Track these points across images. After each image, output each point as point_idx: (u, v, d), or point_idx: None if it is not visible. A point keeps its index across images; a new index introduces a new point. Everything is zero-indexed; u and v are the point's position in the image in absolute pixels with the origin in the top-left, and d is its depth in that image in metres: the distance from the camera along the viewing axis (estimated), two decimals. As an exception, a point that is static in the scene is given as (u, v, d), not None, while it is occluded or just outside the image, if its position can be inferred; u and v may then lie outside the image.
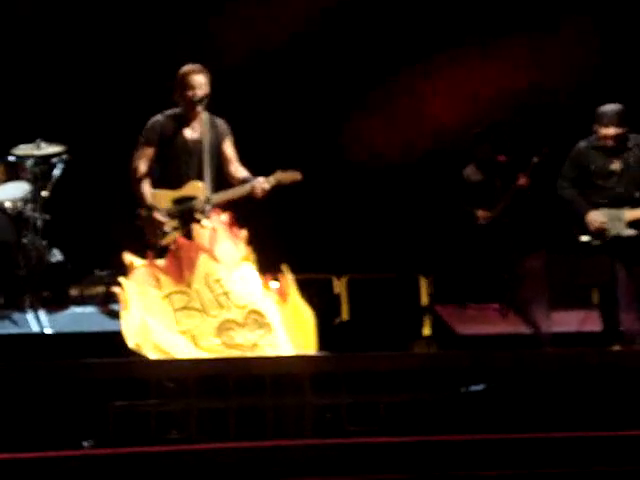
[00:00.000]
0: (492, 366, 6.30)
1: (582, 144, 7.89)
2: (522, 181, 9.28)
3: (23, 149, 8.77)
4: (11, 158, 8.77)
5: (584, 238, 7.79)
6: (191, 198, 7.38)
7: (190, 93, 7.36)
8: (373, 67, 10.12)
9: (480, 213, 9.40)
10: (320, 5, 9.96)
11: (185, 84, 7.37)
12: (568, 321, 8.55)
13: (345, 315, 9.22)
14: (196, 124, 7.42)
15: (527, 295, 8.81)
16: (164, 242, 7.27)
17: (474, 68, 10.14)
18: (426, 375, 6.25)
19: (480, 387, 6.26)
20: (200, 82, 7.37)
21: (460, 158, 9.53)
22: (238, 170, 7.47)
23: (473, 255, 9.30)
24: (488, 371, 6.30)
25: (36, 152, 8.74)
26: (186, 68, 7.43)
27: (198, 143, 7.34)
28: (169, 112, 7.47)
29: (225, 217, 6.92)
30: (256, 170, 7.47)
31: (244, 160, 7.52)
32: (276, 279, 6.87)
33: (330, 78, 10.10)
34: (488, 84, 10.04)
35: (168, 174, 7.43)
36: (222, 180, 7.43)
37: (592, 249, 7.78)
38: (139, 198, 7.37)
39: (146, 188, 7.38)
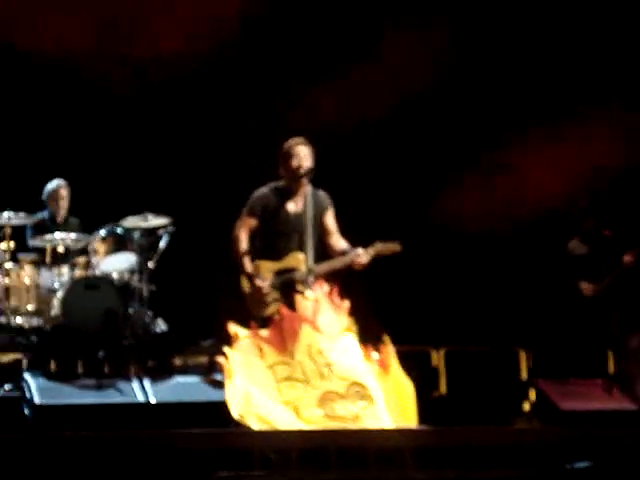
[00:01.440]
0: (597, 443, 6.20)
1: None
2: (629, 258, 9.18)
3: (131, 221, 8.97)
4: (119, 230, 8.97)
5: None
6: (292, 270, 7.46)
7: (296, 164, 7.47)
8: (471, 140, 10.16)
9: (584, 286, 9.30)
10: (415, 78, 10.06)
11: (290, 156, 7.49)
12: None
13: (443, 388, 9.14)
14: (299, 197, 7.52)
15: (632, 371, 8.65)
16: (266, 313, 7.34)
17: (575, 141, 10.11)
18: (529, 451, 6.18)
19: (585, 464, 6.16)
20: (305, 154, 7.49)
21: (564, 231, 9.47)
22: (338, 242, 7.54)
23: (576, 329, 9.19)
24: (593, 448, 6.20)
25: (143, 224, 8.94)
26: (291, 141, 7.56)
27: (300, 216, 7.43)
28: (273, 185, 7.59)
29: (327, 288, 6.97)
30: (356, 240, 7.52)
31: (344, 231, 7.59)
32: (377, 350, 6.88)
33: (430, 150, 10.16)
34: (589, 157, 10.00)
35: (270, 246, 7.52)
36: (322, 251, 7.49)
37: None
38: (240, 268, 7.47)
39: (246, 257, 7.48)
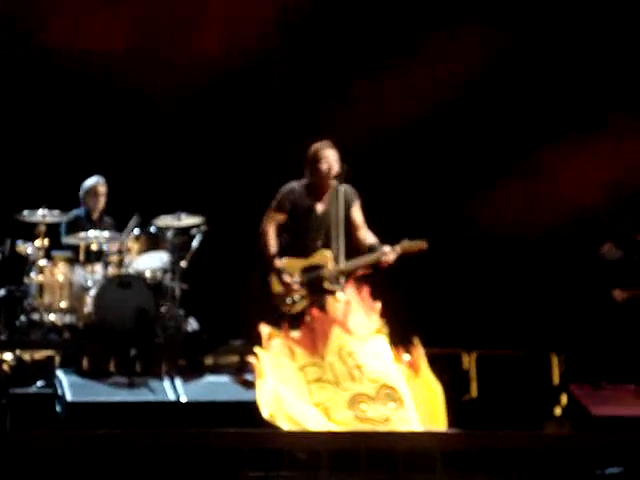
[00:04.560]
0: (629, 448, 6.16)
1: None
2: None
3: (164, 220, 9.01)
4: (152, 229, 9.01)
5: None
6: (319, 267, 7.46)
7: (324, 167, 7.49)
8: (505, 144, 10.13)
9: (617, 292, 9.25)
10: (451, 82, 10.05)
11: (318, 158, 7.51)
12: None
13: (474, 392, 9.12)
14: (326, 196, 7.53)
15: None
16: (293, 310, 7.36)
17: (608, 145, 10.06)
18: (560, 456, 6.15)
19: (616, 470, 6.12)
20: (333, 158, 7.50)
21: (597, 235, 9.43)
22: (366, 236, 7.53)
23: (609, 334, 9.14)
24: (624, 453, 6.16)
25: (176, 223, 8.97)
26: (318, 144, 7.58)
27: (327, 214, 7.45)
28: (302, 181, 7.60)
29: (358, 290, 6.97)
30: (386, 237, 7.51)
31: (378, 230, 7.58)
32: (408, 352, 6.87)
33: (463, 153, 10.14)
34: (622, 161, 9.95)
35: (297, 243, 7.54)
36: (348, 248, 7.49)
37: None
38: (268, 261, 7.48)
39: (274, 252, 7.49)
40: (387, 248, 7.42)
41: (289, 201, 7.53)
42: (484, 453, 6.13)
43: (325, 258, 7.45)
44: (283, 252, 7.53)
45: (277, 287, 7.49)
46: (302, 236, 7.52)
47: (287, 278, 7.41)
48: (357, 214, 7.56)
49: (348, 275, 7.37)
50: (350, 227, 7.53)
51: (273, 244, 7.50)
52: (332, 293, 7.34)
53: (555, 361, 9.30)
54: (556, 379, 9.23)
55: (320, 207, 7.53)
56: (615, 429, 7.73)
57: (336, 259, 7.37)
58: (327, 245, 7.44)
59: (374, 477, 6.01)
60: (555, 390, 9.11)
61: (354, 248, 7.50)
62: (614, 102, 10.13)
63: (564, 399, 8.87)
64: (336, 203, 7.35)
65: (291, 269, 7.48)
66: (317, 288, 7.37)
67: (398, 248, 7.44)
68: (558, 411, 8.87)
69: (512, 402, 8.66)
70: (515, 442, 6.23)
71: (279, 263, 7.46)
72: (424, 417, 6.73)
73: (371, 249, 7.46)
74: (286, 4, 10.00)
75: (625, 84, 10.16)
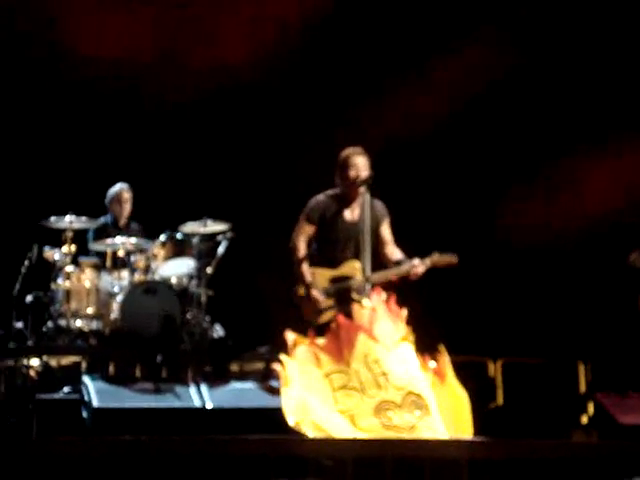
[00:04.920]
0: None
1: None
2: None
3: (190, 226, 9.04)
4: (178, 235, 9.04)
5: None
6: (348, 277, 7.46)
7: (353, 173, 7.48)
8: (535, 151, 10.10)
9: (644, 301, 9.21)
10: (477, 89, 10.04)
11: (348, 165, 7.50)
12: None
13: (500, 400, 9.08)
14: (355, 205, 7.52)
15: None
16: (320, 320, 7.35)
17: (637, 153, 10.02)
18: (587, 465, 6.11)
19: (644, 479, 6.09)
20: (363, 164, 7.49)
21: (625, 243, 9.38)
22: (394, 252, 7.53)
23: (636, 342, 9.09)
24: (652, 463, 6.13)
25: (202, 230, 9.00)
26: (349, 150, 7.56)
27: (357, 225, 7.44)
28: (330, 192, 7.60)
29: (385, 297, 6.96)
30: (414, 250, 7.51)
31: (402, 240, 7.57)
32: (434, 360, 6.85)
33: (491, 162, 10.13)
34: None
35: (326, 253, 7.53)
36: (377, 261, 7.48)
37: None
38: (299, 275, 7.49)
39: (305, 266, 7.50)
40: (417, 261, 7.41)
41: (318, 212, 7.53)
42: (510, 462, 6.10)
43: (354, 269, 7.45)
44: (312, 262, 7.53)
45: (304, 298, 7.48)
46: (331, 246, 7.52)
47: (315, 294, 7.42)
48: (386, 231, 7.56)
49: (375, 285, 7.35)
50: (378, 243, 7.52)
51: (304, 258, 7.50)
52: (359, 304, 7.32)
53: (582, 369, 9.26)
54: (583, 387, 9.19)
55: (349, 215, 7.53)
56: (642, 438, 7.69)
57: (364, 270, 7.36)
58: (356, 255, 7.43)
59: (400, 485, 5.99)
60: (582, 398, 9.07)
61: (381, 264, 7.49)
62: (637, 106, 10.08)
63: (591, 407, 8.83)
64: (368, 215, 7.33)
65: (319, 280, 7.48)
66: (345, 299, 7.37)
67: (428, 261, 7.43)
68: (585, 419, 8.83)
69: (538, 410, 8.63)
70: (541, 451, 6.20)
71: (309, 278, 7.46)
72: (450, 425, 6.70)
73: (398, 264, 7.46)
74: (308, 6, 10.02)
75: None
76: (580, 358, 9.34)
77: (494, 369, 9.19)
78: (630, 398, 8.85)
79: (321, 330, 7.05)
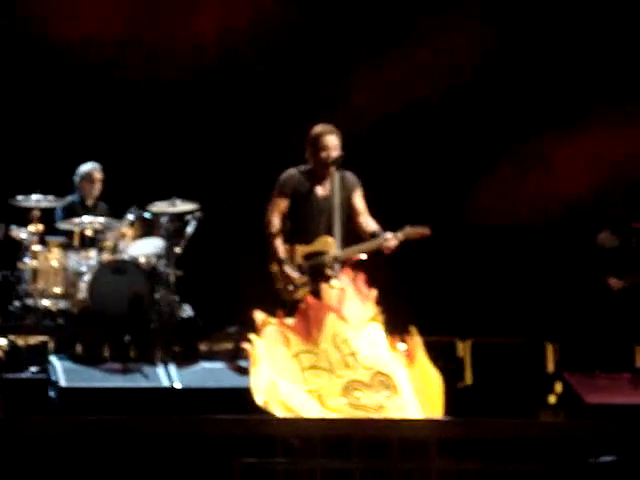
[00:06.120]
0: (623, 437, 6.16)
1: None
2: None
3: (158, 206, 8.99)
4: (147, 215, 8.99)
5: None
6: (322, 253, 7.44)
7: (324, 155, 7.44)
8: (507, 129, 10.11)
9: (613, 281, 9.24)
10: (450, 69, 10.03)
11: (319, 145, 7.45)
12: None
13: (468, 379, 9.11)
14: (327, 181, 7.50)
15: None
16: (295, 297, 7.33)
17: (607, 132, 10.05)
18: (554, 444, 6.15)
19: (610, 458, 6.12)
20: (334, 143, 7.44)
21: (594, 223, 9.42)
22: (368, 223, 7.49)
23: (604, 323, 9.14)
24: (618, 442, 6.16)
25: (171, 209, 8.95)
26: (319, 129, 7.49)
27: (328, 200, 7.41)
28: (301, 168, 7.56)
29: (354, 277, 6.95)
30: (386, 226, 7.49)
31: (374, 215, 7.55)
32: (403, 340, 6.86)
33: (466, 138, 10.12)
34: (621, 149, 9.94)
35: (298, 229, 7.51)
36: (350, 233, 7.46)
37: None
38: (272, 252, 7.46)
39: (279, 242, 7.47)
40: (389, 234, 7.38)
41: (289, 187, 7.48)
42: (478, 441, 6.12)
43: (327, 244, 7.42)
44: (285, 239, 7.50)
45: (278, 275, 7.46)
46: (304, 222, 7.48)
47: (288, 270, 7.39)
48: (358, 200, 7.51)
49: (345, 262, 7.33)
50: (352, 214, 7.48)
51: (278, 233, 7.46)
52: (331, 282, 7.30)
53: (550, 349, 9.30)
54: (551, 367, 9.23)
55: (321, 192, 7.49)
56: (609, 417, 7.73)
57: (335, 249, 7.34)
58: (329, 231, 7.40)
59: (368, 464, 6.00)
60: (549, 378, 9.11)
61: (356, 235, 7.47)
62: (611, 90, 10.11)
63: (558, 387, 8.88)
64: (338, 191, 7.30)
65: (294, 256, 7.45)
66: (319, 275, 7.34)
67: (400, 235, 7.39)
68: (552, 399, 8.87)
69: (506, 390, 8.66)
70: (509, 430, 6.22)
71: (283, 254, 7.42)
72: (420, 405, 6.71)
73: (373, 236, 7.42)
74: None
75: (623, 71, 10.14)
76: (548, 338, 9.38)
77: (463, 349, 9.21)
78: (597, 378, 8.90)
79: (294, 308, 7.03)
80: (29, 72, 9.84)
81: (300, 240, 7.48)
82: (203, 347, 8.65)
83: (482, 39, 10.10)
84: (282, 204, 7.47)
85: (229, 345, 8.59)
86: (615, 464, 6.10)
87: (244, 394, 6.66)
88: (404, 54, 10.03)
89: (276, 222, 7.47)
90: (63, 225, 9.07)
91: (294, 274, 7.40)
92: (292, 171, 7.54)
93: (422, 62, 10.04)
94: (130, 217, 8.94)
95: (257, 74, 10.09)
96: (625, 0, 10.18)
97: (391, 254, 7.40)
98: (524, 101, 10.16)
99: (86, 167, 9.26)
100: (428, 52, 10.04)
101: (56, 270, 8.82)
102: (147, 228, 8.97)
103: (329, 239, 7.40)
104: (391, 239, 7.35)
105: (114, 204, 9.24)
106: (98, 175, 9.22)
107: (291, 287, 7.41)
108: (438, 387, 6.75)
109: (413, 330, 6.82)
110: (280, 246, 7.45)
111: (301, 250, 7.46)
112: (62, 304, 8.79)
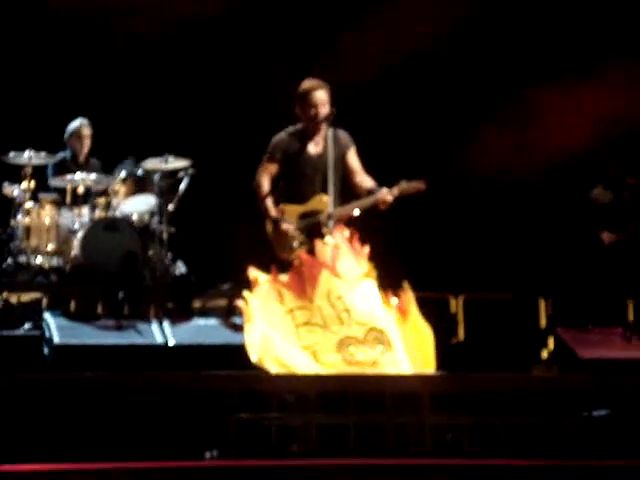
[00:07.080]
0: (616, 391, 6.19)
1: None
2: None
3: (151, 163, 8.96)
4: (139, 172, 8.96)
5: None
6: (317, 212, 7.41)
7: (313, 112, 7.35)
8: (502, 83, 10.07)
9: (605, 236, 9.25)
10: (445, 22, 9.97)
11: (307, 102, 7.34)
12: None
13: (461, 335, 9.14)
14: (319, 139, 7.43)
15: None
16: (292, 256, 7.30)
17: (602, 87, 10.01)
18: (547, 398, 6.18)
19: (603, 412, 6.16)
20: (322, 99, 7.34)
21: (588, 178, 9.41)
22: (364, 180, 7.44)
23: (597, 278, 9.15)
24: (612, 396, 6.19)
25: (163, 166, 8.92)
26: (307, 85, 7.37)
27: (322, 157, 7.36)
28: (291, 129, 7.49)
29: (347, 234, 6.94)
30: (381, 180, 7.46)
31: (369, 171, 7.52)
32: (396, 296, 6.86)
33: (459, 92, 10.08)
34: (616, 104, 9.91)
35: (293, 189, 7.46)
36: (347, 192, 7.44)
37: None
38: (264, 212, 7.43)
39: (270, 202, 7.43)
40: (385, 190, 7.35)
41: (280, 151, 7.42)
42: (471, 395, 6.15)
43: (322, 203, 7.38)
44: (281, 199, 7.46)
45: (273, 234, 7.43)
46: (298, 181, 7.43)
47: (284, 226, 7.35)
48: (353, 159, 7.46)
49: (340, 219, 7.31)
50: (347, 172, 7.44)
51: (267, 193, 7.41)
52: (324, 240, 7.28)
53: (542, 304, 9.32)
54: (543, 322, 9.25)
55: (313, 149, 7.44)
56: (602, 372, 7.77)
57: (330, 206, 7.31)
58: (324, 189, 7.35)
59: (362, 419, 6.03)
60: (542, 333, 9.13)
61: (352, 193, 7.44)
62: (604, 45, 10.06)
63: (551, 342, 8.91)
64: (331, 148, 7.24)
65: (288, 216, 7.42)
66: (315, 233, 7.32)
67: (396, 190, 7.35)
68: (545, 354, 8.90)
69: (499, 345, 8.69)
70: (502, 385, 6.25)
71: (275, 212, 7.39)
72: (413, 360, 6.73)
73: (370, 193, 7.39)
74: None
75: (616, 26, 10.08)
76: (541, 293, 9.40)
77: (456, 305, 9.23)
78: (590, 333, 8.93)
79: (289, 267, 7.01)
80: (18, 29, 9.76)
81: (295, 200, 7.44)
82: (197, 304, 8.65)
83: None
84: (272, 168, 7.43)
85: (223, 302, 8.59)
86: (608, 418, 6.14)
87: (238, 351, 6.68)
88: (395, 4, 9.97)
89: (265, 184, 7.43)
90: (55, 182, 9.04)
91: (290, 227, 7.35)
92: (282, 134, 7.46)
93: (413, 14, 9.97)
94: (122, 174, 8.92)
95: (251, 30, 10.02)
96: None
97: (386, 209, 7.38)
98: (521, 55, 10.11)
99: (74, 124, 9.22)
100: (423, 7, 9.98)
101: (49, 227, 8.81)
102: (140, 185, 8.95)
103: (324, 197, 7.37)
104: (387, 194, 7.33)
105: (107, 160, 9.21)
106: (87, 131, 9.18)
107: (289, 246, 7.36)
108: (430, 342, 6.76)
109: (406, 286, 6.82)
110: (271, 206, 7.41)
111: (297, 209, 7.43)
112: (55, 261, 8.79)
